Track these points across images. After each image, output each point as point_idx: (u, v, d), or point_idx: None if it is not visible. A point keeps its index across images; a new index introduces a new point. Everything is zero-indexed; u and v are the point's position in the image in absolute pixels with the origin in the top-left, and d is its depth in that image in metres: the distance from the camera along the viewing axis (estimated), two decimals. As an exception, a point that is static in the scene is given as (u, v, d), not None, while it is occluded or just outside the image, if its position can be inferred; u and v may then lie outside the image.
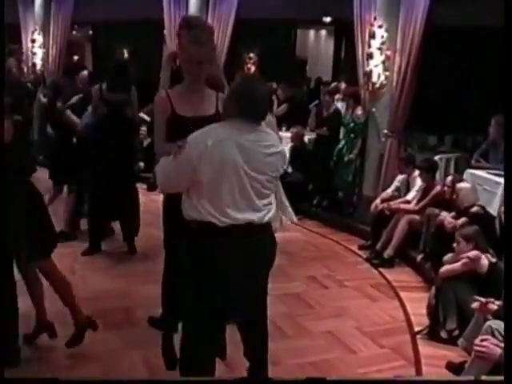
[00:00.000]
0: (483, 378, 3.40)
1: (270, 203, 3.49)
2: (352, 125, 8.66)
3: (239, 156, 3.24)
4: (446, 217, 6.40)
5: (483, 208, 6.34)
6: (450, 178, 6.96)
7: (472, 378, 4.02)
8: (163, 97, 3.77)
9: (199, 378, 3.47)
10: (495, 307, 4.33)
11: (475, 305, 4.53)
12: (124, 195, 6.79)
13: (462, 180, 6.82)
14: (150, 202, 8.00)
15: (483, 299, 4.49)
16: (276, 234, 3.66)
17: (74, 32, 16.48)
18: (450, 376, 4.45)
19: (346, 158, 8.72)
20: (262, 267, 3.58)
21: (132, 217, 6.88)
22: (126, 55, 16.07)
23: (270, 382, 3.91)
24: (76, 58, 18.06)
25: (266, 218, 3.45)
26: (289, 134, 9.83)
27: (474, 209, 6.25)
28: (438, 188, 7.07)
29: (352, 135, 8.70)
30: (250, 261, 3.41)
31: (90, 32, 17.22)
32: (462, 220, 6.16)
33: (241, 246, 3.35)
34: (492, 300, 4.46)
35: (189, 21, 3.80)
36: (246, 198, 3.33)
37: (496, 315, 4.26)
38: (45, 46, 13.40)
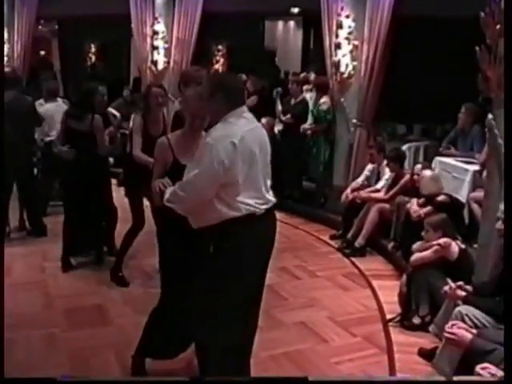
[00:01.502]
0: (482, 377, 3.42)
1: None
2: (315, 113, 8.70)
3: (257, 144, 3.49)
4: (411, 206, 6.45)
5: (450, 196, 6.41)
6: (418, 166, 7.00)
7: (446, 363, 4.07)
8: (166, 145, 3.90)
9: (198, 378, 3.47)
10: (463, 293, 4.38)
11: (446, 287, 4.56)
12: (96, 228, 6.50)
13: (429, 167, 6.85)
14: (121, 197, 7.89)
15: (453, 284, 4.53)
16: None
17: (40, 27, 16.26)
18: (422, 362, 4.50)
19: (314, 150, 8.74)
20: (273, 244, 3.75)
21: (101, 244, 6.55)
22: (93, 49, 15.96)
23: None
24: (42, 53, 17.86)
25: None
26: (259, 126, 9.78)
27: (440, 197, 6.31)
28: (407, 177, 7.11)
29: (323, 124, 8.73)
30: (273, 239, 3.69)
31: (56, 27, 17.01)
32: (427, 209, 6.22)
33: (272, 226, 3.66)
34: (461, 284, 4.51)
35: (193, 76, 4.52)
36: (266, 182, 3.58)
37: (465, 301, 4.30)
38: (9, 41, 13.20)
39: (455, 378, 3.61)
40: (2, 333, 4.14)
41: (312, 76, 10.19)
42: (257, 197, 3.47)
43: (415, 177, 6.90)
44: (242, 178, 3.37)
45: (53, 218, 7.39)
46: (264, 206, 3.50)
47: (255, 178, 3.47)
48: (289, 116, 9.22)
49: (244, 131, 3.40)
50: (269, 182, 3.64)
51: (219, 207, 3.39)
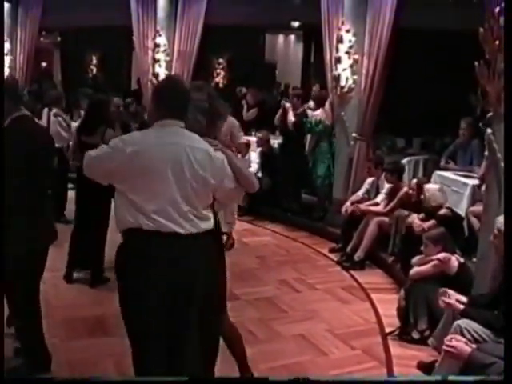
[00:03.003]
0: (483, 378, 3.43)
1: (202, 213, 3.31)
2: (309, 126, 8.78)
3: (164, 162, 3.18)
4: (414, 220, 6.46)
5: (451, 210, 6.43)
6: (414, 181, 7.03)
7: (443, 376, 4.08)
8: None
9: (198, 378, 3.40)
10: (461, 306, 4.39)
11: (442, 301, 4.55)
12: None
13: (427, 181, 6.87)
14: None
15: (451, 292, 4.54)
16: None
17: (42, 38, 16.34)
18: (421, 375, 4.51)
19: (313, 163, 8.80)
20: (184, 280, 3.26)
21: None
22: (94, 61, 16.03)
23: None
24: (44, 64, 17.93)
25: (195, 230, 3.24)
26: (257, 139, 9.83)
27: (443, 211, 6.33)
28: (404, 189, 7.12)
29: (314, 136, 8.84)
30: (171, 272, 3.20)
31: (59, 38, 17.10)
32: (430, 223, 6.24)
33: (162, 255, 3.19)
34: (456, 296, 4.52)
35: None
36: (172, 205, 3.19)
37: (463, 314, 4.32)
38: (12, 53, 13.28)
39: (451, 378, 3.62)
40: (2, 333, 4.14)
41: (315, 88, 10.27)
42: (142, 212, 3.16)
43: (411, 191, 6.92)
44: (128, 185, 3.20)
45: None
46: (151, 225, 3.15)
47: (144, 194, 3.18)
48: (290, 128, 9.21)
49: (148, 145, 3.19)
50: (190, 215, 3.22)
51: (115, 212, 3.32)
